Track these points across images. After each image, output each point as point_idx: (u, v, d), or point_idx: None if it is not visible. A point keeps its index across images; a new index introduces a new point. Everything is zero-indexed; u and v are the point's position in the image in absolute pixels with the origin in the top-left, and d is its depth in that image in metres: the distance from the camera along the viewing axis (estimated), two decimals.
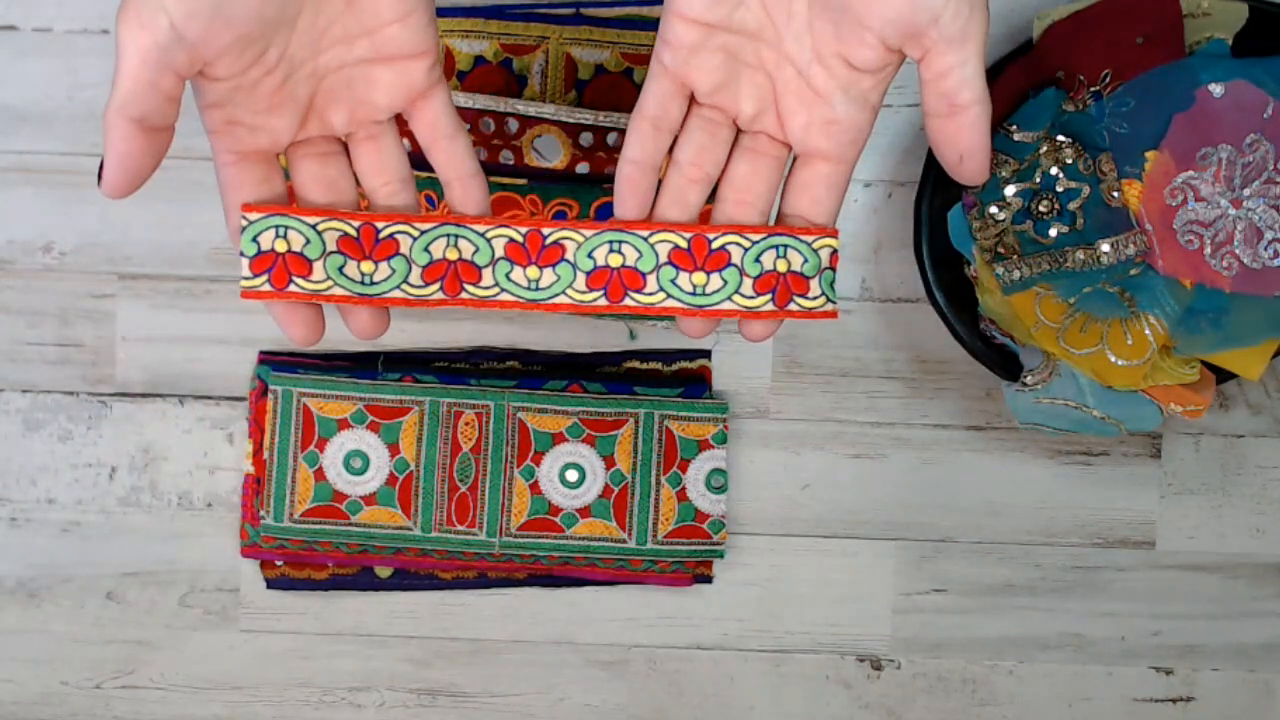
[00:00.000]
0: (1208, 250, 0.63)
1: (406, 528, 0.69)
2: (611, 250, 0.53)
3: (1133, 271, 0.64)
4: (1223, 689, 0.73)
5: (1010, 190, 0.64)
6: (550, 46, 0.68)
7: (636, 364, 0.71)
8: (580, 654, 0.72)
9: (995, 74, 0.65)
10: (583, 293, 0.52)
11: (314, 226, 0.50)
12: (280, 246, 0.50)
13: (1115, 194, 0.64)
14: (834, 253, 0.52)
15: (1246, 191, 0.63)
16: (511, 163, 0.68)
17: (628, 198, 0.48)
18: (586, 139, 0.68)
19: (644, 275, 0.52)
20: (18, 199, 0.70)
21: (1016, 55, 0.66)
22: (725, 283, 0.52)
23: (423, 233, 0.52)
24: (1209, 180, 0.63)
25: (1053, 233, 0.64)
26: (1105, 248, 0.63)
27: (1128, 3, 0.63)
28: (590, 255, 0.53)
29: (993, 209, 0.65)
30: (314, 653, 0.72)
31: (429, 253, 0.52)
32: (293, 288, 0.51)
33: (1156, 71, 0.63)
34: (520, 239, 0.53)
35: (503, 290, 0.53)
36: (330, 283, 0.51)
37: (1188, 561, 0.72)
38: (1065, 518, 0.72)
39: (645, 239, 0.52)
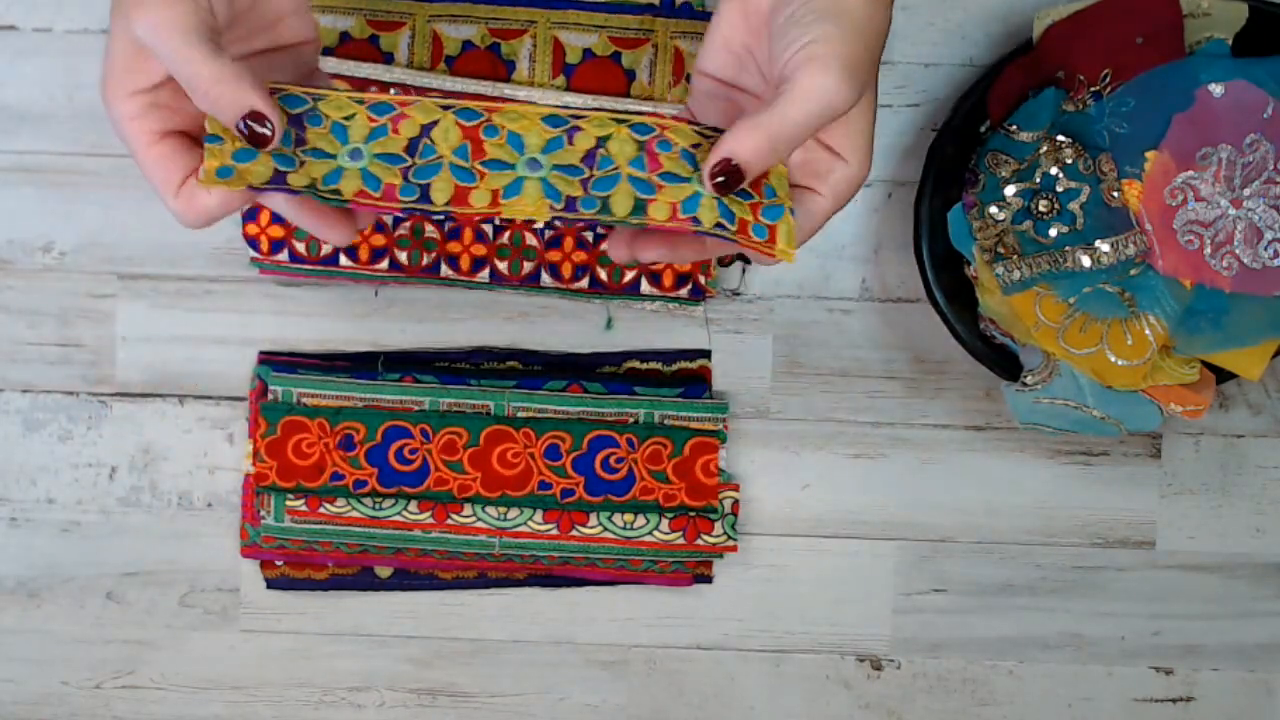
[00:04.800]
0: (1208, 250, 0.63)
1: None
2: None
3: (1133, 271, 0.64)
4: (1223, 689, 0.73)
5: (1010, 190, 0.64)
6: (538, 31, 0.68)
7: (636, 364, 0.71)
8: (580, 654, 0.72)
9: (995, 74, 0.65)
10: (539, 524, 0.68)
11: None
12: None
13: (1115, 194, 0.64)
14: (735, 502, 0.69)
15: (1246, 191, 0.63)
16: None
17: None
18: None
19: (587, 513, 0.69)
20: (18, 199, 0.70)
21: (1016, 55, 0.65)
22: (648, 521, 0.69)
23: None
24: (1209, 180, 0.63)
25: (1053, 233, 0.64)
26: (1105, 248, 0.63)
27: (1128, 3, 0.63)
28: None
29: (993, 209, 0.65)
30: (314, 653, 0.72)
31: None
32: (323, 510, 0.68)
33: (1156, 71, 0.63)
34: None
35: (479, 520, 0.69)
36: (349, 506, 0.68)
37: (1188, 561, 0.72)
38: (1065, 518, 0.72)
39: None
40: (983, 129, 0.66)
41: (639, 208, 0.48)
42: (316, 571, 0.71)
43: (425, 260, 0.69)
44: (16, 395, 0.71)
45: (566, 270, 0.69)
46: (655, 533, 0.69)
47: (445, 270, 0.69)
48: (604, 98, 0.68)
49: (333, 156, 0.48)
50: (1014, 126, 0.64)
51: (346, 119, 0.49)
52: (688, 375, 0.71)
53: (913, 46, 0.70)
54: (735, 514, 0.69)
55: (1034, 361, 0.66)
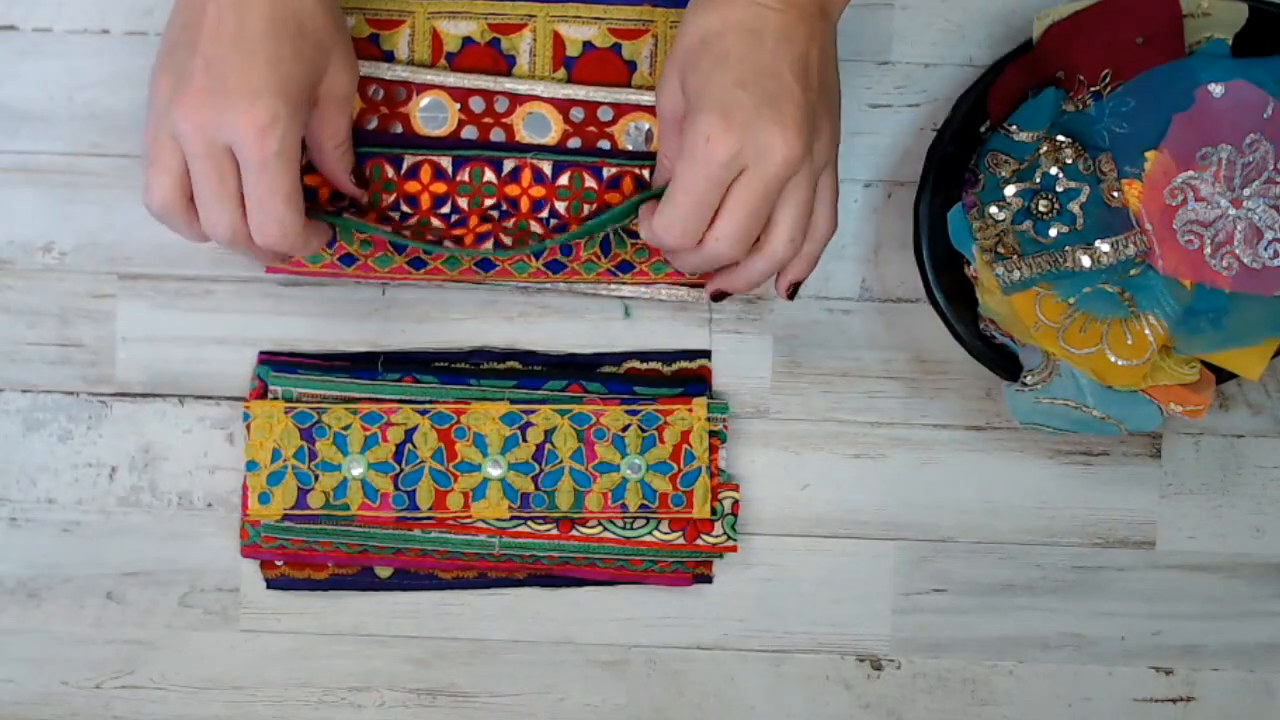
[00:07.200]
0: (1208, 250, 0.63)
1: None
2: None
3: (1133, 271, 0.64)
4: (1223, 689, 0.73)
5: (1010, 190, 0.64)
6: (537, 24, 0.68)
7: (636, 364, 0.71)
8: (580, 654, 0.72)
9: (995, 74, 0.65)
10: (540, 524, 0.69)
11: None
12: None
13: (1115, 194, 0.64)
14: (735, 502, 0.69)
15: (1246, 191, 0.63)
16: (503, 140, 0.68)
17: None
18: (577, 114, 0.68)
19: None
20: (18, 199, 0.70)
21: (1016, 55, 0.66)
22: (648, 521, 0.69)
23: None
24: (1209, 180, 0.63)
25: (1053, 233, 0.64)
26: (1105, 248, 0.63)
27: (1128, 3, 0.63)
28: None
29: (993, 209, 0.65)
30: (314, 653, 0.72)
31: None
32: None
33: (1156, 71, 0.63)
34: None
35: (477, 521, 0.69)
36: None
37: (1188, 561, 0.72)
38: (1065, 518, 0.72)
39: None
40: (983, 129, 0.66)
41: (578, 500, 0.68)
42: (316, 571, 0.71)
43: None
44: (16, 395, 0.71)
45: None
46: (655, 533, 0.69)
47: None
48: (606, 89, 0.68)
49: (338, 468, 0.67)
50: (1014, 126, 0.64)
51: (344, 429, 0.67)
52: (688, 375, 0.71)
53: (913, 46, 0.70)
54: (735, 514, 0.69)
55: (1034, 361, 0.66)
